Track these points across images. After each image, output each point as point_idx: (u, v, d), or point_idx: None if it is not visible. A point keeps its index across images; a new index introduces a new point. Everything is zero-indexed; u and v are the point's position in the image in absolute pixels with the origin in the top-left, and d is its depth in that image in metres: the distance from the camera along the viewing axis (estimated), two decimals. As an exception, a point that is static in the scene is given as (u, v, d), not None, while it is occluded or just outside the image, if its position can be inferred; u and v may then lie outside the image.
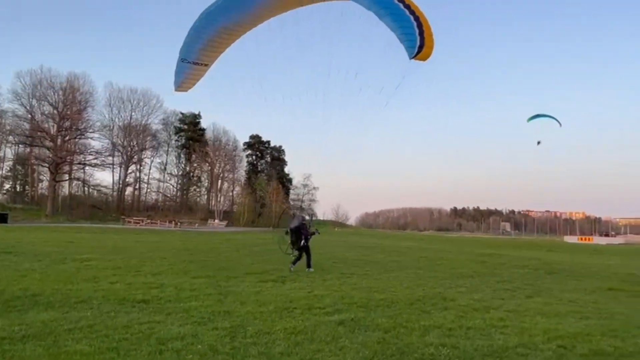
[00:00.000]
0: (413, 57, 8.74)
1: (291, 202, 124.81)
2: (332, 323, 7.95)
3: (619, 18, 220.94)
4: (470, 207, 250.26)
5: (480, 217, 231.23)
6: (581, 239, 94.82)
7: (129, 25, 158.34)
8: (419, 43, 8.47)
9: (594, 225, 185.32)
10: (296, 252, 14.19)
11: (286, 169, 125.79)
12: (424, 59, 8.85)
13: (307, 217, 12.76)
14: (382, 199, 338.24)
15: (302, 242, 13.95)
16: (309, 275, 14.09)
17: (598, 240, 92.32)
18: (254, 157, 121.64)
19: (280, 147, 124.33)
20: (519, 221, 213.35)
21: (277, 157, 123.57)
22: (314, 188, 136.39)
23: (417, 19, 8.51)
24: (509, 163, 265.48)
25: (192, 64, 10.21)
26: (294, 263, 14.37)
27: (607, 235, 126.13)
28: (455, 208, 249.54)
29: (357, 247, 30.18)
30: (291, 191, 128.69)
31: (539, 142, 34.86)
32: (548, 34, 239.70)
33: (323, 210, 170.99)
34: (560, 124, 31.40)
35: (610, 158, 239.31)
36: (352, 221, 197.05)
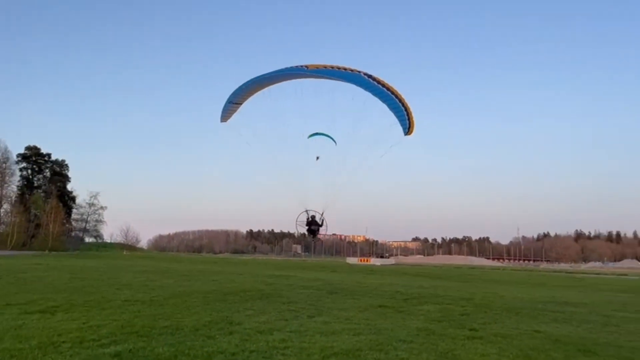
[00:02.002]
0: (406, 135, 14.50)
1: (72, 223, 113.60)
2: (107, 356, 7.32)
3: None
4: (266, 230, 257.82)
5: (275, 240, 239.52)
6: (361, 260, 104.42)
7: None
8: (409, 123, 14.18)
9: (372, 248, 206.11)
10: (309, 235, 17.05)
11: (69, 186, 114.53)
12: (410, 134, 14.60)
13: (315, 212, 15.93)
14: (178, 220, 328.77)
15: (316, 231, 16.68)
16: (85, 304, 12.86)
17: (374, 261, 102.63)
18: (29, 171, 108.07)
19: (64, 161, 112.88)
20: (309, 243, 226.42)
21: (58, 172, 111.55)
22: (102, 207, 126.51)
23: (406, 108, 13.92)
24: (300, 187, 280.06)
25: (233, 104, 15.53)
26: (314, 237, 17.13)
27: (382, 256, 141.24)
28: (251, 230, 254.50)
29: (146, 271, 28.58)
30: (74, 210, 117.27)
31: (317, 158, 38.04)
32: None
33: (110, 232, 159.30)
34: (336, 143, 34.74)
35: (385, 187, 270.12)
36: (144, 244, 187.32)
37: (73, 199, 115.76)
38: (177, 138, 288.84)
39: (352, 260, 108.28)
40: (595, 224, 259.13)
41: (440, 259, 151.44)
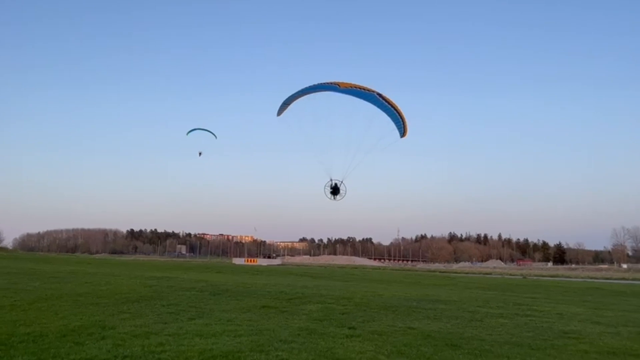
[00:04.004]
0: (401, 137, 20.10)
1: None
2: (-47, 369, 6.53)
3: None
4: (148, 230, 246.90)
5: (158, 240, 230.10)
6: (247, 261, 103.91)
7: None
8: (403, 129, 19.70)
9: (260, 248, 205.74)
10: (332, 196, 21.03)
11: None
12: (405, 136, 20.09)
13: (337, 181, 20.75)
14: (49, 218, 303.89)
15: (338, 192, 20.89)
16: None
17: (261, 261, 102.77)
18: None
19: None
20: (195, 244, 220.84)
21: None
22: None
23: (403, 120, 19.34)
24: (186, 187, 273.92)
25: (286, 104, 20.21)
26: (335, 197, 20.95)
27: (269, 257, 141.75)
28: (132, 230, 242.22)
29: (8, 273, 25.99)
30: None
31: (200, 153, 38.07)
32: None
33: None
34: (216, 137, 34.96)
35: (273, 188, 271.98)
36: (8, 243, 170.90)
37: None
38: (45, 126, 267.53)
39: (238, 260, 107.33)
40: (466, 227, 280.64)
41: (325, 259, 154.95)
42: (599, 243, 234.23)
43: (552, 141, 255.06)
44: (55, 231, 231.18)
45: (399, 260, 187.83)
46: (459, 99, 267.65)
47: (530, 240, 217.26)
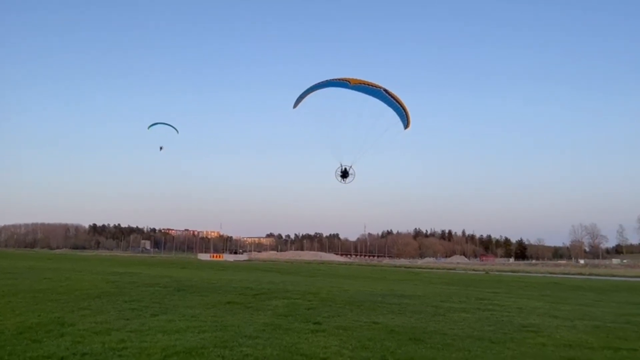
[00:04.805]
0: (405, 129, 21.19)
1: None
2: None
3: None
4: (111, 225, 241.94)
5: (121, 235, 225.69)
6: (213, 256, 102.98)
7: None
8: (406, 122, 20.75)
9: (226, 244, 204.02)
10: (342, 179, 22.12)
11: None
12: (408, 128, 21.09)
13: (347, 166, 22.00)
14: (6, 211, 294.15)
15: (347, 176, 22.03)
16: None
17: (227, 257, 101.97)
18: None
19: None
20: (159, 239, 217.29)
21: None
22: None
23: (404, 108, 20.31)
24: (151, 181, 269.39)
25: (301, 97, 21.25)
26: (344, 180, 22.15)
27: (235, 252, 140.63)
28: (94, 225, 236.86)
29: (-38, 269, 25.12)
30: None
31: (161, 148, 37.68)
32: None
33: None
34: (178, 131, 34.78)
35: (240, 183, 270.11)
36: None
37: None
38: (6, 121, 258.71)
39: (204, 256, 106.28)
40: (431, 223, 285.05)
41: (292, 255, 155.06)
42: (558, 239, 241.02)
43: (515, 141, 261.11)
44: (14, 225, 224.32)
45: (365, 255, 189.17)
46: (430, 97, 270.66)
47: (493, 236, 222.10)
